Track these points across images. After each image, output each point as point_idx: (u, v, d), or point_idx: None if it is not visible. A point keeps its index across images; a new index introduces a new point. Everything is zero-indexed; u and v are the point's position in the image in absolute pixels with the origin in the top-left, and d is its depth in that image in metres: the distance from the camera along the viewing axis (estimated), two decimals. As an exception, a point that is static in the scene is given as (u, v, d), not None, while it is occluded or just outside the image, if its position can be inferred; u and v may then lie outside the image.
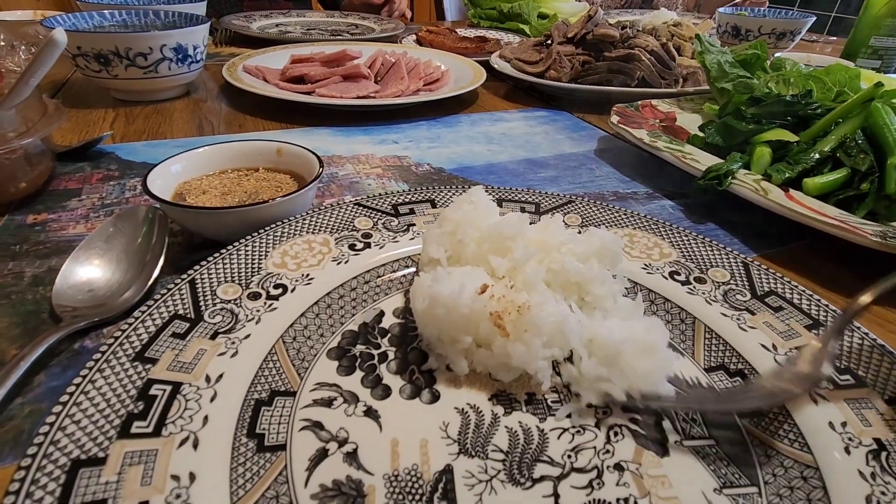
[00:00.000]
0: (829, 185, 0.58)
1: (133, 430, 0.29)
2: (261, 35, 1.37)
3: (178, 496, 0.26)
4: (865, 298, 0.35)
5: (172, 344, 0.34)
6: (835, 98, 0.70)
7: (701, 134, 0.75)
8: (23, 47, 0.98)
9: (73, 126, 0.80)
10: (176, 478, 0.27)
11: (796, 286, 0.43)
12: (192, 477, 0.27)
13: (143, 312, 0.36)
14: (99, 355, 0.32)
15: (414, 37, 1.44)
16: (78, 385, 0.30)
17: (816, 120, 0.66)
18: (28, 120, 0.55)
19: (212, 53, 1.31)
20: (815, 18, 1.35)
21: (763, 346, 0.38)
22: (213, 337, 0.36)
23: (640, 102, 0.87)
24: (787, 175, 0.60)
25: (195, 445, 0.29)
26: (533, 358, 0.33)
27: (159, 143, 0.75)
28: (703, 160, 0.65)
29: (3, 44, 0.96)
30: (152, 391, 0.31)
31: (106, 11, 0.96)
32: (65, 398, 0.29)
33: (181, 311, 0.37)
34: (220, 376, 0.33)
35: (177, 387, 0.32)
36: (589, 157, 0.79)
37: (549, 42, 1.14)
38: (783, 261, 0.55)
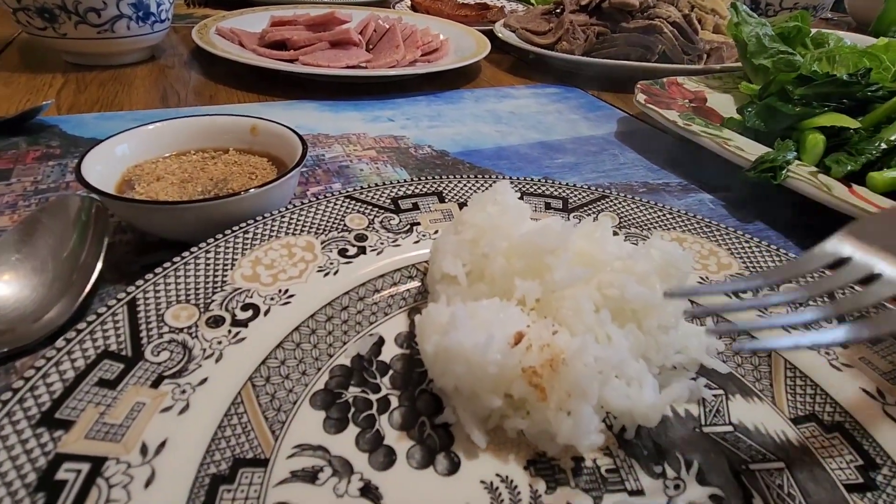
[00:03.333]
0: (899, 181, 0.50)
1: (24, 542, 0.20)
2: (238, -4, 1.24)
3: None
4: None
5: (97, 397, 0.25)
6: (894, 78, 0.62)
7: (738, 117, 0.66)
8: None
9: (13, 92, 0.69)
10: None
11: (892, 309, 0.35)
12: None
13: (59, 350, 0.26)
14: (-13, 418, 0.23)
15: (408, 2, 1.32)
16: (-53, 471, 0.21)
17: (877, 103, 0.58)
18: (-64, 84, 0.44)
19: (182, 15, 1.17)
20: (840, -7, 1.26)
21: (866, 391, 0.30)
22: (157, 384, 0.26)
23: (666, 80, 0.77)
24: (849, 167, 0.52)
25: (117, 564, 0.20)
26: (585, 433, 0.25)
27: (114, 116, 0.64)
28: (748, 148, 0.57)
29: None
30: (60, 474, 0.22)
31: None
32: (-78, 495, 0.20)
33: (113, 347, 0.27)
34: (163, 444, 0.24)
35: (97, 465, 0.23)
36: (610, 141, 0.70)
37: (560, 10, 1.03)
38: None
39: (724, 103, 0.74)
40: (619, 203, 0.45)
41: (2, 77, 0.73)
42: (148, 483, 0.22)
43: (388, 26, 0.91)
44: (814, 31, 0.78)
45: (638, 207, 0.45)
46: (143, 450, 0.24)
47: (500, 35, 1.00)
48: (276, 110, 0.71)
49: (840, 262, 0.26)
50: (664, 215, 0.44)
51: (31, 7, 0.70)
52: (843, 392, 0.31)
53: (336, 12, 0.88)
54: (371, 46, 0.89)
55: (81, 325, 0.28)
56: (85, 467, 0.22)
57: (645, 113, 0.68)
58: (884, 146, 0.52)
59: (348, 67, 0.79)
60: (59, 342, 0.27)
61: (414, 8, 1.27)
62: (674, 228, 0.43)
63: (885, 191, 0.50)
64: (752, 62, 0.74)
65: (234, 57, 0.76)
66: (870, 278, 0.25)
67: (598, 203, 0.45)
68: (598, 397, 0.27)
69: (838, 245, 0.27)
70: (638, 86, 0.73)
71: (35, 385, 0.25)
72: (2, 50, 0.85)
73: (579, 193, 0.46)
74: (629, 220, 0.44)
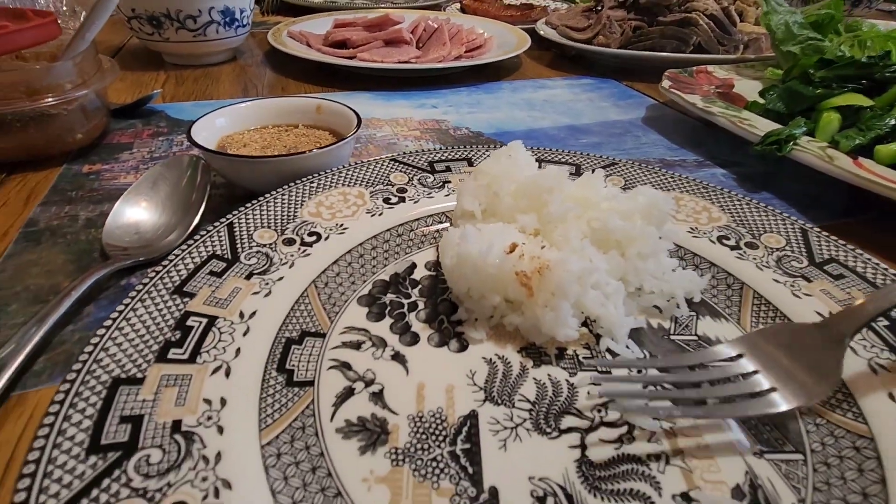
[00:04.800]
0: (904, 153, 0.53)
1: (170, 356, 0.30)
2: (306, 4, 1.38)
3: (209, 418, 0.27)
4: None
5: (209, 281, 0.35)
6: (918, 60, 0.64)
7: (761, 100, 0.70)
8: (84, 13, 1.03)
9: (126, 86, 0.83)
10: (208, 401, 0.28)
11: (861, 253, 0.39)
12: (223, 402, 0.28)
13: (184, 250, 0.37)
14: (141, 286, 0.33)
15: (458, 5, 1.41)
16: (121, 311, 0.31)
17: (894, 84, 0.60)
18: (84, 73, 0.58)
19: (258, 22, 1.32)
20: (899, -19, 1.22)
21: (819, 314, 0.35)
22: (248, 277, 0.36)
23: (694, 68, 0.81)
24: (857, 141, 0.55)
25: (227, 374, 0.29)
26: (563, 325, 0.32)
27: (206, 104, 0.77)
28: (761, 126, 0.61)
29: (65, 9, 1.00)
30: (189, 322, 0.32)
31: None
32: (108, 322, 0.30)
33: (219, 252, 0.38)
34: (254, 313, 0.34)
35: (212, 320, 0.32)
36: (635, 125, 0.76)
37: (600, 7, 1.09)
38: (844, 232, 0.50)
39: (751, 88, 0.77)
40: (627, 168, 0.51)
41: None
42: (245, 333, 0.32)
43: (436, 26, 1.00)
44: (849, 19, 0.79)
45: (644, 172, 0.51)
46: (241, 315, 0.33)
47: (541, 32, 1.07)
48: (337, 99, 0.81)
49: (732, 358, 0.32)
50: (666, 179, 0.50)
51: (143, 16, 0.85)
52: (801, 315, 0.36)
53: (390, 14, 0.98)
54: (421, 44, 0.99)
55: (197, 237, 0.38)
56: (204, 320, 0.32)
57: (673, 100, 0.73)
58: (893, 122, 0.55)
59: (399, 62, 0.89)
60: (182, 246, 0.37)
61: (463, 10, 1.36)
62: (674, 189, 0.49)
63: (891, 163, 0.53)
64: (781, 49, 0.77)
65: (303, 54, 0.88)
66: (751, 373, 0.31)
67: (608, 168, 0.52)
68: (579, 302, 0.34)
69: (734, 346, 0.33)
70: (666, 74, 0.78)
71: (169, 270, 0.35)
72: (116, 53, 1.02)
73: (591, 160, 0.53)
74: (634, 182, 0.50)
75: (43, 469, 0.23)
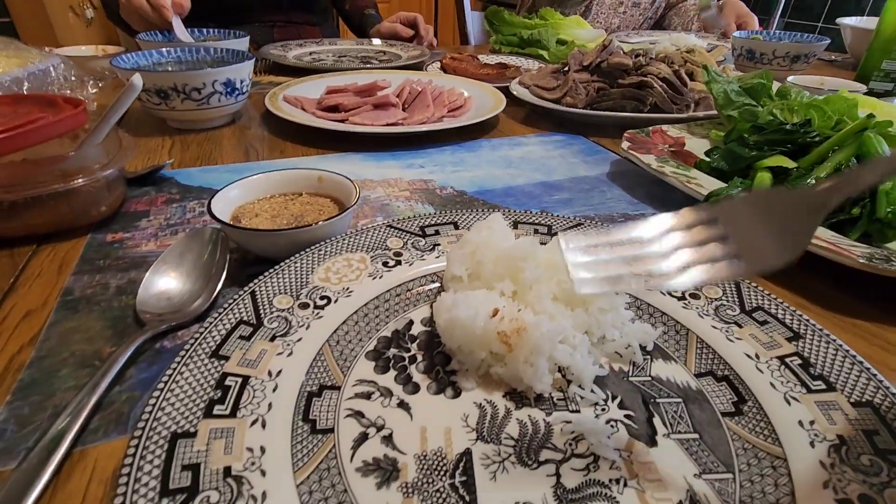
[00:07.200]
0: (823, 209, 0.62)
1: (215, 412, 0.36)
2: (297, 64, 1.48)
3: (252, 463, 0.33)
4: None
5: (240, 345, 0.41)
6: (834, 126, 0.75)
7: (707, 159, 0.80)
8: (91, 82, 1.10)
9: (137, 152, 0.90)
10: (250, 449, 0.34)
11: (781, 302, 0.48)
12: (262, 449, 0.34)
13: (216, 318, 0.43)
14: (183, 352, 0.39)
15: (438, 63, 1.53)
16: (170, 375, 0.37)
17: (815, 147, 0.71)
18: (108, 152, 0.65)
19: (253, 82, 1.41)
20: (829, 41, 1.38)
21: (747, 355, 0.43)
22: (272, 339, 0.43)
23: (651, 128, 0.92)
24: (784, 199, 0.64)
25: (263, 426, 0.35)
26: (539, 380, 0.39)
27: (212, 169, 0.84)
28: (706, 184, 0.70)
29: (74, 79, 1.08)
30: (227, 382, 0.38)
31: (163, 49, 1.07)
32: (161, 386, 0.36)
33: (245, 318, 0.44)
34: (279, 372, 0.40)
35: (246, 379, 0.39)
36: (601, 181, 0.85)
37: (567, 69, 1.21)
38: (777, 278, 0.59)
39: (700, 146, 0.88)
40: (591, 228, 0.60)
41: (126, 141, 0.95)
42: (274, 390, 0.38)
43: (420, 89, 1.10)
44: (787, 80, 0.91)
45: (605, 232, 0.59)
46: (269, 373, 0.39)
47: (514, 92, 1.18)
48: (331, 161, 0.89)
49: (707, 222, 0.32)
50: (624, 237, 0.58)
51: (152, 89, 0.93)
52: (732, 356, 0.43)
53: (377, 81, 1.08)
54: (406, 106, 1.09)
55: (226, 305, 0.45)
56: (239, 380, 0.38)
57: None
58: (812, 181, 0.65)
59: (388, 125, 0.98)
60: (214, 314, 0.43)
61: (443, 69, 1.47)
62: (631, 247, 0.57)
63: (813, 217, 0.62)
64: (723, 113, 0.88)
65: (298, 120, 0.96)
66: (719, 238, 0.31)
67: (576, 229, 0.60)
68: (551, 356, 0.41)
69: (711, 210, 0.32)
70: (625, 134, 0.88)
71: (205, 336, 0.41)
72: (121, 119, 1.09)
73: (561, 221, 0.61)
74: (597, 241, 0.58)
75: (127, 511, 0.28)
